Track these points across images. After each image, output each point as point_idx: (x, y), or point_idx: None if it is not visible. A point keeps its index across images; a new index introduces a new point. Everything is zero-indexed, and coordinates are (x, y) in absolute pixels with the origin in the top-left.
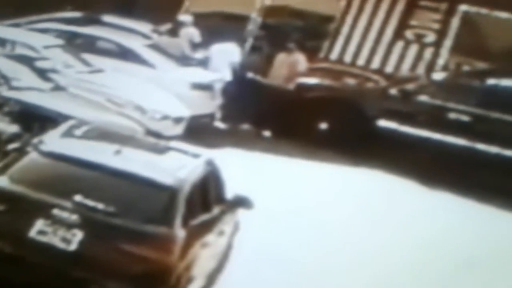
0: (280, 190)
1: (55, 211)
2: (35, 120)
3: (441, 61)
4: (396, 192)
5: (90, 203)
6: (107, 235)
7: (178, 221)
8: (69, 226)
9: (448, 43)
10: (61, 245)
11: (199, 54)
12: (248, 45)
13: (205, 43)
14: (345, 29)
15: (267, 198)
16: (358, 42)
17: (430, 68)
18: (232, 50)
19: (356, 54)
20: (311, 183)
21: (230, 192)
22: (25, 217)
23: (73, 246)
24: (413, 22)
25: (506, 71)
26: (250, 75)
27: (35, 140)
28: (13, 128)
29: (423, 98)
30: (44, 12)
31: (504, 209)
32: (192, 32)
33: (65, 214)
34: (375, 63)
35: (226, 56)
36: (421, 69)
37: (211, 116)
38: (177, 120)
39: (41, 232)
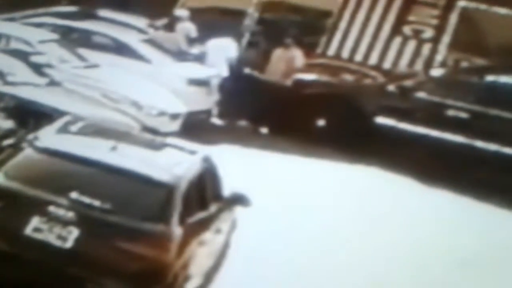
0: (277, 187)
1: (51, 208)
2: (30, 116)
3: (439, 57)
4: (394, 189)
5: (86, 200)
6: (103, 232)
7: (174, 218)
8: (65, 223)
9: (446, 39)
10: (57, 242)
11: (195, 50)
12: (245, 41)
13: (202, 38)
14: (342, 25)
15: (264, 195)
16: (355, 37)
17: (428, 64)
18: (229, 45)
19: (354, 50)
20: (309, 180)
21: (227, 189)
22: (20, 214)
23: (69, 244)
24: (411, 18)
25: (505, 68)
26: (247, 70)
27: (30, 136)
28: (8, 124)
29: (421, 94)
30: (40, 6)
31: (502, 206)
32: (188, 27)
33: (61, 211)
34: (373, 59)
35: (222, 52)
36: (419, 65)
37: (207, 112)
38: (174, 116)
39: (36, 229)
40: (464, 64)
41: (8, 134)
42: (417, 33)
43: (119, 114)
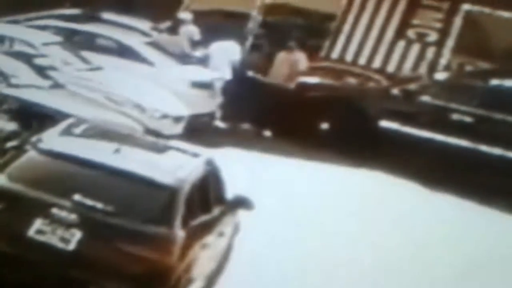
0: (280, 191)
1: (54, 210)
2: (33, 118)
3: (443, 61)
4: (398, 193)
5: (89, 202)
6: (106, 235)
7: (177, 221)
8: (68, 225)
9: (450, 42)
10: (59, 244)
11: (199, 52)
12: (248, 44)
13: (205, 41)
14: (346, 28)
15: (267, 199)
16: (359, 41)
17: (432, 68)
18: (232, 48)
19: (358, 53)
20: (312, 184)
21: (230, 192)
22: (23, 216)
23: (71, 246)
24: (415, 21)
25: (509, 71)
26: (250, 73)
27: (34, 138)
28: (12, 126)
29: (425, 98)
30: (43, 9)
31: (507, 210)
32: (192, 30)
33: (63, 214)
34: (377, 63)
35: (226, 55)
36: (423, 69)
37: (211, 115)
38: (177, 119)
39: (39, 232)
40: (469, 67)
41: (11, 136)
42: (421, 37)
43: (122, 117)
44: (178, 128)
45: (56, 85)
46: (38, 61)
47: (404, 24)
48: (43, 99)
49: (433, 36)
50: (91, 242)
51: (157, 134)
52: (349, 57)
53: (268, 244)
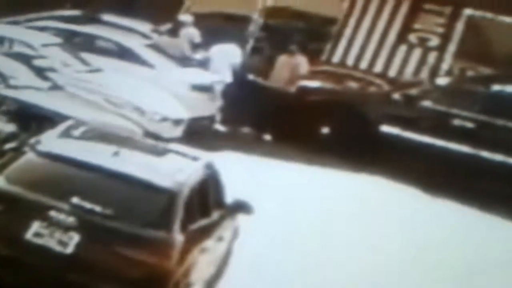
0: (280, 195)
1: (52, 213)
2: (32, 120)
3: (445, 66)
4: (398, 198)
5: (87, 205)
6: (104, 238)
7: (176, 225)
8: (66, 228)
9: (452, 47)
10: (57, 248)
11: (199, 55)
12: (249, 47)
13: (206, 43)
14: (347, 32)
15: (267, 203)
16: (361, 45)
17: (434, 73)
18: (233, 51)
19: (359, 57)
20: (312, 188)
21: (229, 196)
22: (21, 218)
23: (69, 249)
24: (417, 26)
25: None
26: (250, 77)
27: (32, 140)
28: (10, 127)
29: (427, 103)
30: (43, 10)
31: (508, 217)
32: (192, 33)
33: (62, 216)
34: (378, 67)
35: (226, 57)
36: (424, 74)
37: (211, 118)
38: (177, 122)
39: (37, 234)
40: (470, 73)
41: (10, 137)
42: (422, 41)
43: (122, 119)
44: (178, 131)
45: (55, 87)
46: (38, 62)
47: (406, 29)
48: (42, 100)
49: (434, 41)
50: (89, 246)
51: (156, 137)
52: (350, 61)
53: (267, 249)
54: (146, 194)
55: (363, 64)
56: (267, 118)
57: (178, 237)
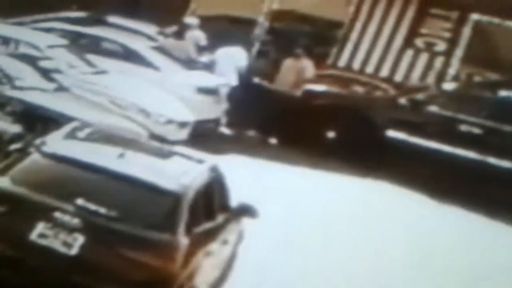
0: (285, 199)
1: (57, 214)
2: (37, 121)
3: (451, 71)
4: (403, 204)
5: (92, 207)
6: (109, 240)
7: (181, 228)
8: (71, 230)
9: (459, 52)
10: (62, 249)
11: (204, 58)
12: (254, 50)
13: (211, 46)
14: (354, 36)
15: (272, 207)
16: (367, 49)
17: (441, 78)
18: (238, 54)
19: (365, 62)
20: (317, 193)
21: (234, 199)
22: (26, 219)
23: (74, 251)
24: (423, 30)
25: None
26: (256, 80)
27: (37, 141)
28: (15, 128)
29: (433, 108)
30: (49, 11)
31: None
32: (198, 35)
33: (66, 218)
34: (384, 71)
35: (232, 60)
36: (431, 79)
37: (216, 121)
38: (182, 125)
39: (42, 235)
40: (477, 78)
41: (15, 138)
42: (429, 46)
43: (127, 121)
44: (183, 134)
45: (61, 88)
46: (43, 63)
47: (412, 33)
48: (48, 102)
49: (441, 46)
50: (94, 247)
51: (161, 139)
52: (356, 65)
53: (272, 252)
54: (151, 196)
55: (369, 69)
56: (272, 121)
57: (183, 240)
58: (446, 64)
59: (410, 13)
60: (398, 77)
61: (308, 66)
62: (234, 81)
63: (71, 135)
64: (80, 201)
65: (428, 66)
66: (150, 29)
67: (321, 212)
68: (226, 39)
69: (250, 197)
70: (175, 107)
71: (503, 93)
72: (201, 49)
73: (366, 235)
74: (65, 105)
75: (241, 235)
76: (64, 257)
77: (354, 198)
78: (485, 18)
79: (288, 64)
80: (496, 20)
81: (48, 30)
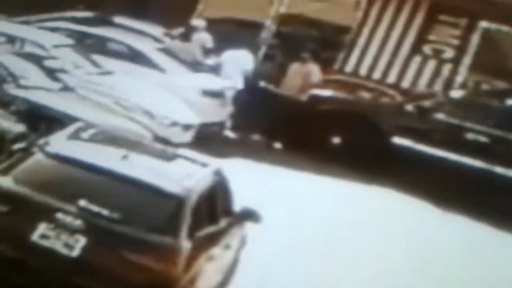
0: (289, 204)
1: (59, 215)
2: (41, 120)
3: (459, 79)
4: (408, 211)
5: (95, 208)
6: (111, 242)
7: (183, 231)
8: (73, 231)
9: (467, 60)
10: (63, 250)
11: (211, 60)
12: (261, 53)
13: (218, 49)
14: (361, 41)
15: (276, 212)
16: (374, 55)
17: (448, 85)
18: (245, 57)
19: (372, 67)
20: (321, 198)
21: (238, 204)
22: (28, 219)
23: (75, 252)
24: (431, 37)
25: None
26: (262, 84)
27: (41, 141)
28: (19, 128)
29: (440, 116)
30: (55, 10)
31: None
32: (204, 37)
33: (68, 219)
34: (391, 78)
35: (238, 64)
36: (438, 86)
37: (221, 125)
38: (186, 127)
39: (43, 236)
40: (485, 86)
41: (19, 138)
42: (437, 53)
43: (131, 123)
44: (188, 137)
45: (66, 88)
46: (49, 63)
47: (421, 40)
48: (52, 101)
49: (449, 53)
50: (95, 249)
51: (166, 141)
52: (363, 71)
53: (275, 257)
54: (154, 199)
55: (376, 74)
56: (277, 126)
57: (185, 244)
58: (454, 72)
59: (419, 20)
60: (405, 83)
61: (314, 71)
62: (240, 84)
63: (75, 136)
64: (82, 203)
65: (436, 73)
66: (157, 30)
67: (325, 218)
68: (233, 42)
69: (254, 202)
70: (180, 110)
71: (510, 101)
72: (207, 52)
73: (369, 241)
74: (70, 105)
75: (244, 240)
76: (66, 258)
77: (359, 204)
78: (494, 26)
79: (294, 68)
80: (505, 28)
81: (54, 30)
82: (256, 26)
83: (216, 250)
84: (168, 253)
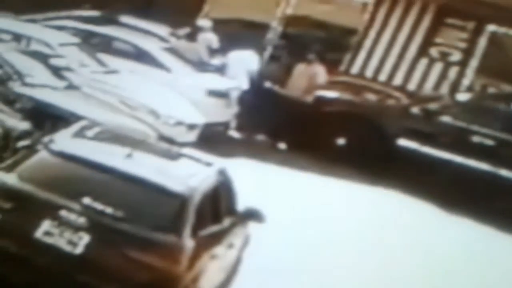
0: (293, 205)
1: (63, 213)
2: (46, 118)
3: (466, 82)
4: (412, 213)
5: (99, 206)
6: (114, 240)
7: (187, 230)
8: (76, 228)
9: (474, 63)
10: (67, 247)
11: (216, 61)
12: (267, 54)
13: (223, 49)
14: (367, 43)
15: (279, 212)
16: (380, 57)
17: (455, 88)
18: (250, 58)
19: (378, 69)
20: (326, 199)
21: (241, 204)
22: (32, 217)
23: (79, 250)
24: (438, 40)
25: None
26: (267, 84)
27: (46, 139)
28: (24, 125)
29: (446, 119)
30: (62, 9)
31: None
32: (210, 38)
33: (72, 216)
34: (398, 80)
35: (244, 64)
36: (445, 89)
37: (225, 125)
38: (191, 127)
39: (47, 233)
40: (492, 89)
41: (24, 135)
42: (444, 56)
43: (136, 122)
44: (192, 136)
45: (71, 87)
46: (54, 61)
47: (427, 42)
48: (57, 100)
49: (456, 56)
50: (99, 247)
51: (170, 141)
52: (369, 73)
53: (278, 258)
54: (157, 197)
55: (382, 77)
56: (282, 126)
57: (188, 242)
58: (461, 75)
59: (426, 22)
60: (412, 86)
61: (320, 72)
62: (245, 84)
63: (80, 134)
64: (86, 200)
65: (442, 76)
66: (163, 30)
67: (328, 218)
68: (239, 43)
69: (258, 202)
70: (185, 109)
71: None
72: (213, 52)
73: (374, 242)
74: (75, 104)
75: (247, 240)
76: (69, 256)
77: (363, 205)
78: (501, 29)
79: (300, 69)
80: None
81: (60, 28)
82: (262, 27)
83: (219, 249)
84: (171, 251)
